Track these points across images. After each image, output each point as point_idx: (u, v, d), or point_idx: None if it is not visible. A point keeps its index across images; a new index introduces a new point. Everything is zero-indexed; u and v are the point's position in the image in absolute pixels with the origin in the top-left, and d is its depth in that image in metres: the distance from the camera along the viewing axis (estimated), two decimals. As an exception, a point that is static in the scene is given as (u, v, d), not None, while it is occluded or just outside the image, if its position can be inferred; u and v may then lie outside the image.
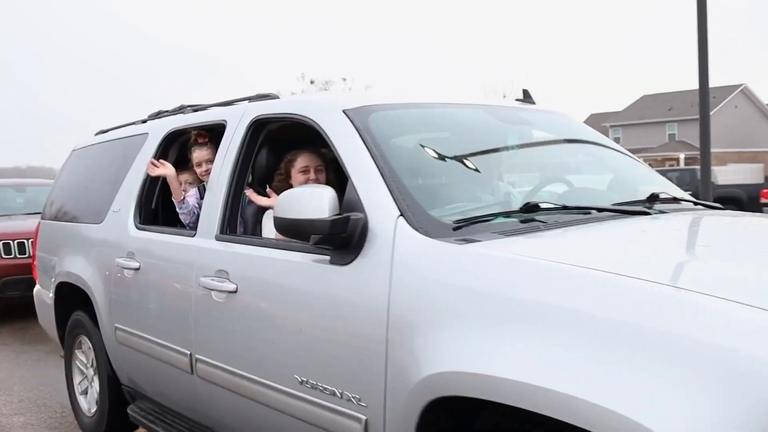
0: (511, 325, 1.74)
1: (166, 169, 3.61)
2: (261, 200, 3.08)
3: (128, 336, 3.55)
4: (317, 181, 3.13)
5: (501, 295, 1.80)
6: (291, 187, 3.17)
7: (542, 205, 2.28)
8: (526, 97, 3.37)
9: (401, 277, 2.04)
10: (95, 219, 4.02)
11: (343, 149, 2.46)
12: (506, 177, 2.82)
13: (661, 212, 2.54)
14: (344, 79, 38.62)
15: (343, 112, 2.58)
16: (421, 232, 2.10)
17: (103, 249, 3.86)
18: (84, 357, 4.32)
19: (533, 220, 2.24)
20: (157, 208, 3.82)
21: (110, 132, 4.59)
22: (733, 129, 43.39)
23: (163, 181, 3.77)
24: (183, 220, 3.60)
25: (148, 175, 3.70)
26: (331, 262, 2.28)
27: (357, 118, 2.54)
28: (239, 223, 3.14)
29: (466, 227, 2.14)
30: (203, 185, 3.68)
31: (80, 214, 4.32)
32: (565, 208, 2.34)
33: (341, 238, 2.20)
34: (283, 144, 3.25)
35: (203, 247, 2.96)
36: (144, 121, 4.25)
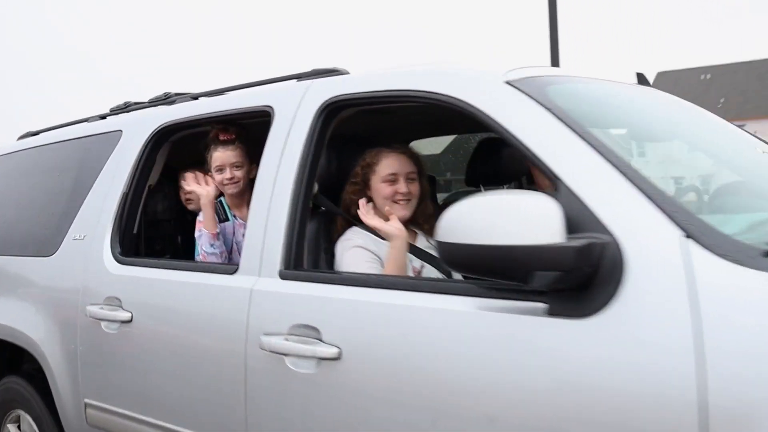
0: None
1: (209, 189, 2.60)
2: (383, 225, 2.14)
3: (109, 417, 2.49)
4: (409, 194, 2.26)
5: None
6: (370, 200, 2.28)
7: None
8: (641, 81, 2.65)
9: (728, 338, 1.23)
10: (41, 250, 2.90)
11: (535, 141, 1.60)
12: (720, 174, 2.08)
13: None
14: None
15: (508, 83, 1.74)
16: (733, 263, 1.30)
17: (60, 293, 2.76)
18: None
19: None
20: (140, 233, 2.77)
21: (46, 134, 3.45)
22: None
23: (147, 195, 2.74)
24: (210, 260, 2.58)
25: (129, 188, 2.64)
26: (551, 314, 1.43)
27: (534, 93, 1.70)
28: None
29: None
30: (220, 201, 2.69)
31: (13, 244, 3.15)
32: None
33: (583, 274, 1.37)
34: (346, 141, 2.36)
35: (261, 291, 1.99)
36: (103, 117, 3.17)
